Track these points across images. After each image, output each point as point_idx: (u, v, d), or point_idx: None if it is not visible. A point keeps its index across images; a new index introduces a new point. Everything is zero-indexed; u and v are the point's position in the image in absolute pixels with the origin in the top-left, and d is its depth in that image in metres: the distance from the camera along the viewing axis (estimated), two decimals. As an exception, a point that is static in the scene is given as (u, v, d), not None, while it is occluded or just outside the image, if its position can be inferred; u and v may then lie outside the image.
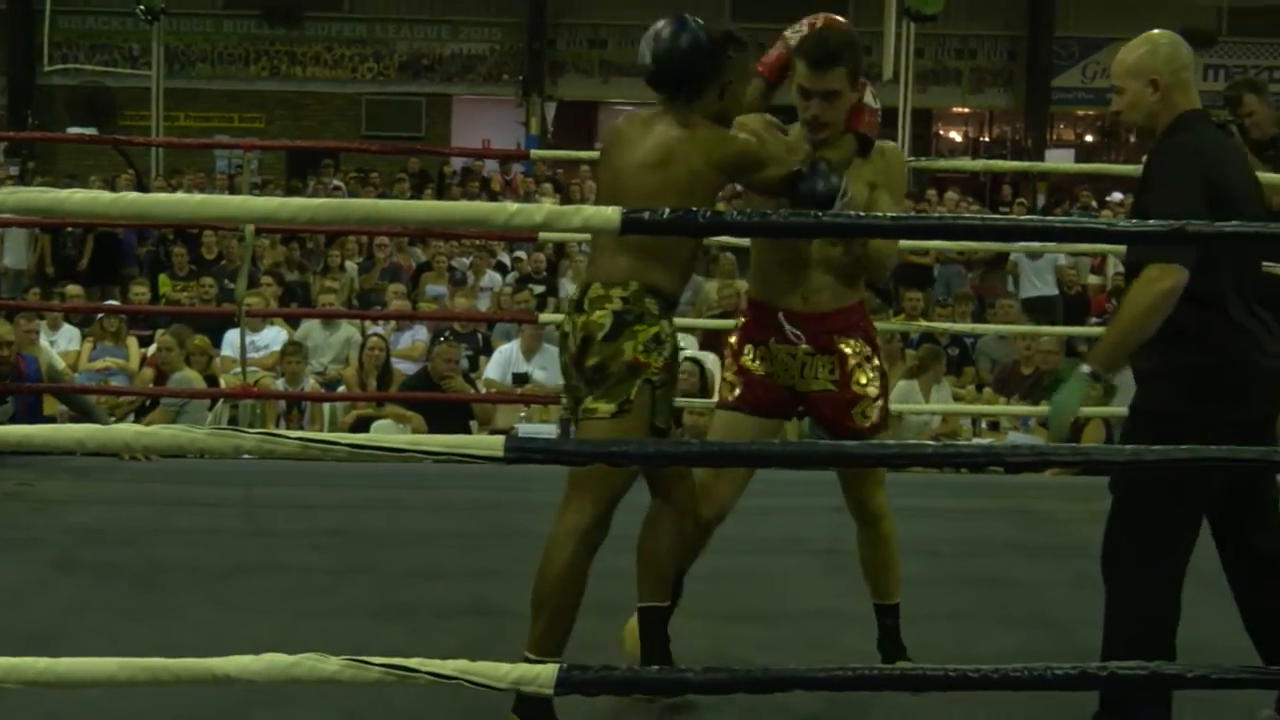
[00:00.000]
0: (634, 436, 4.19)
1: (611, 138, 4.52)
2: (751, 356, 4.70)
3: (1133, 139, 27.65)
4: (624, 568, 4.57)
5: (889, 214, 4.32)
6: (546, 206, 3.63)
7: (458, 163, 22.47)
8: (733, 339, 4.82)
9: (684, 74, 4.37)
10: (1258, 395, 4.10)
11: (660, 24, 4.40)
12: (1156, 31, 4.30)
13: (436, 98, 26.05)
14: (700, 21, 4.42)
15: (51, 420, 8.42)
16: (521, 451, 3.59)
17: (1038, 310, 16.32)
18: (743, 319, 4.84)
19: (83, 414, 8.09)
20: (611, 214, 3.54)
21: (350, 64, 25.95)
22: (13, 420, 7.83)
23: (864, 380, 4.63)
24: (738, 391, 4.72)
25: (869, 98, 4.67)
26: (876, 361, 4.68)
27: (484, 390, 10.63)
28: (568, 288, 13.59)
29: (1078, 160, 25.49)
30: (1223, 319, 4.05)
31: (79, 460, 7.49)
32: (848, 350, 4.63)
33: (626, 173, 4.35)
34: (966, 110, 28.13)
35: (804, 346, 4.63)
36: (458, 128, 25.84)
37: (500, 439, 3.62)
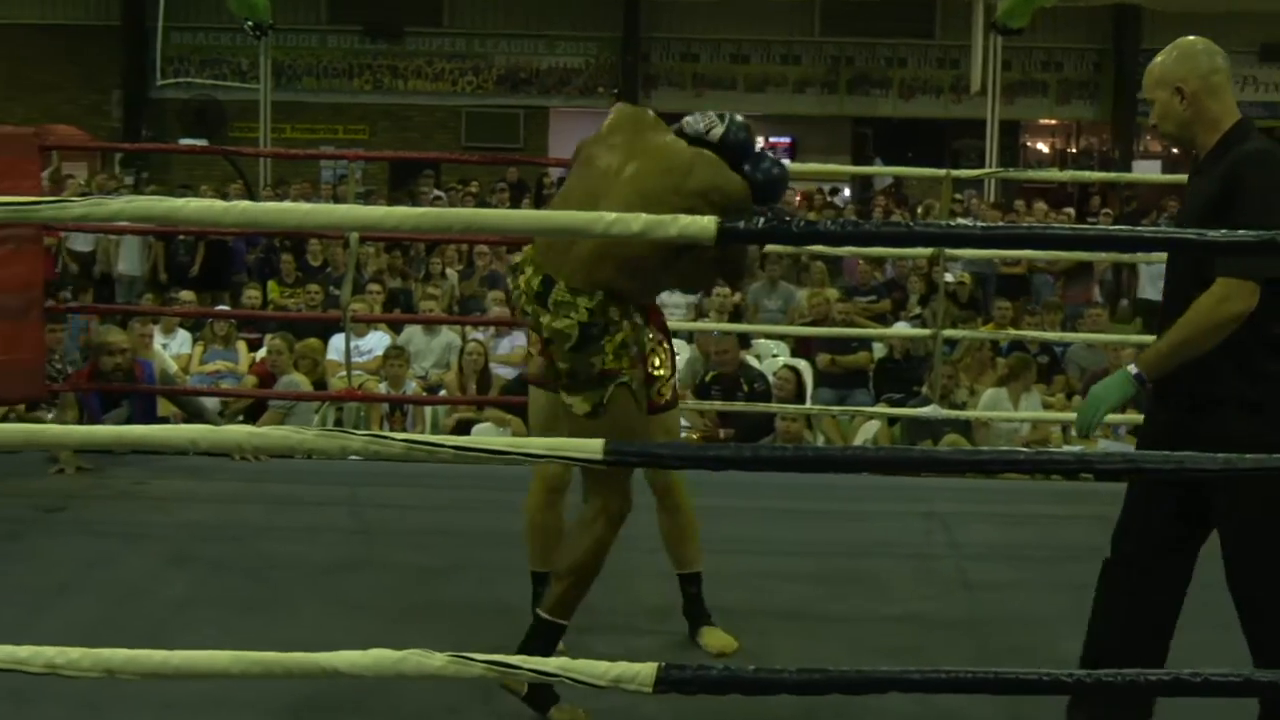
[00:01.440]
0: (614, 432, 4.25)
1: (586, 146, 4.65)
2: None
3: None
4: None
5: None
6: (643, 216, 3.59)
7: (555, 173, 22.52)
8: None
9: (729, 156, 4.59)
10: None
11: (733, 116, 4.68)
12: (1190, 38, 4.13)
13: (534, 110, 26.15)
14: None
15: (165, 422, 8.50)
16: (621, 454, 3.59)
17: (1146, 314, 16.22)
18: None
19: (195, 416, 8.17)
20: (707, 224, 3.52)
21: (450, 77, 26.10)
22: (128, 422, 7.92)
23: (657, 363, 4.88)
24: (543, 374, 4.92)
25: None
26: (666, 345, 4.96)
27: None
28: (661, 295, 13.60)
29: (1164, 171, 25.19)
30: None
31: (191, 460, 7.56)
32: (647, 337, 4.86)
33: (621, 169, 4.46)
34: (1053, 122, 27.89)
35: None
36: (555, 139, 25.87)
37: (600, 442, 3.61)
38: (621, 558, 4.67)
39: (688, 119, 4.66)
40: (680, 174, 4.41)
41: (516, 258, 4.56)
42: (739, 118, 4.66)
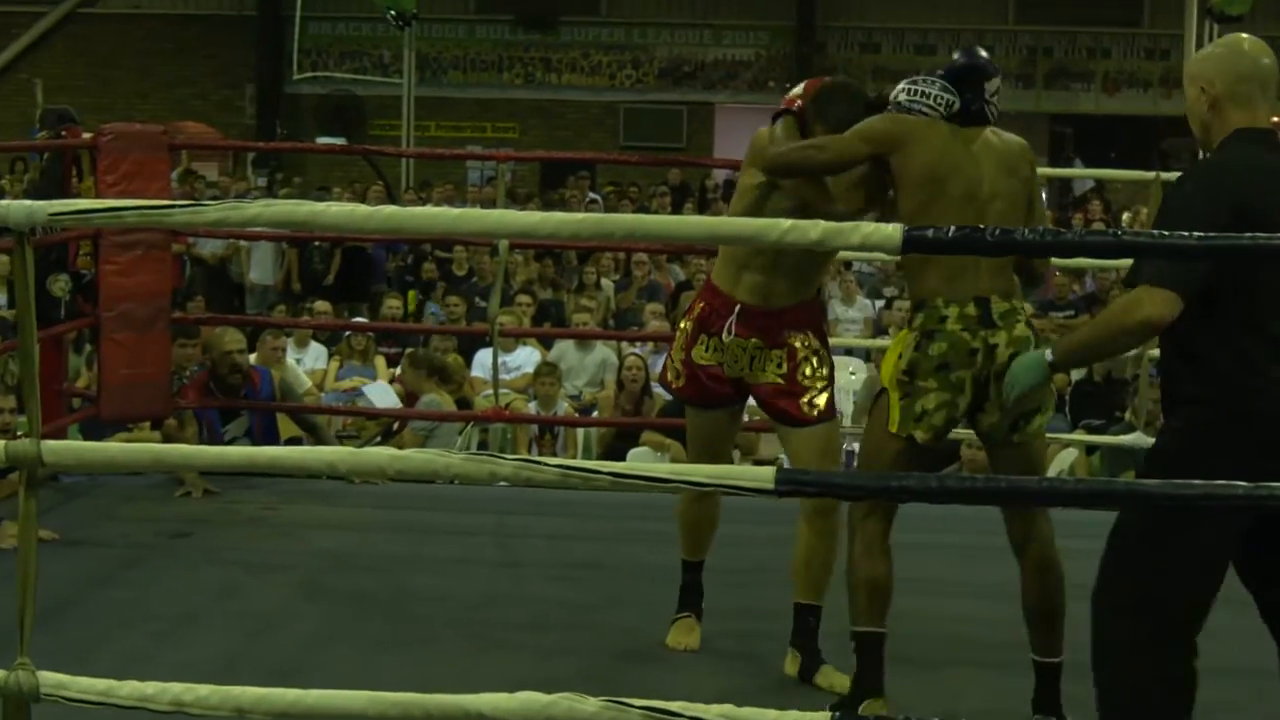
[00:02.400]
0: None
1: (939, 142, 4.71)
2: (705, 348, 5.12)
3: None
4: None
5: None
6: (822, 224, 3.58)
7: (720, 174, 22.56)
8: (686, 324, 5.22)
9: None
10: None
11: (944, 83, 4.83)
12: (1240, 35, 4.13)
13: (698, 106, 26.11)
14: None
15: (292, 439, 8.58)
16: (793, 484, 3.58)
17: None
18: (700, 305, 5.20)
19: (310, 433, 8.25)
20: (892, 231, 3.51)
21: (607, 71, 26.16)
22: (248, 432, 8.04)
23: (809, 372, 5.10)
24: (682, 382, 5.21)
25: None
26: (824, 354, 5.18)
27: (746, 418, 10.58)
28: (837, 310, 13.50)
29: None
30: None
31: (323, 483, 7.65)
32: (797, 345, 5.10)
33: (989, 180, 4.69)
34: (1277, 120, 27.34)
35: (754, 340, 5.04)
36: (721, 138, 25.78)
37: (770, 470, 3.60)
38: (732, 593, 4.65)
39: (918, 99, 4.75)
40: (1013, 162, 4.74)
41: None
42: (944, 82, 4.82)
